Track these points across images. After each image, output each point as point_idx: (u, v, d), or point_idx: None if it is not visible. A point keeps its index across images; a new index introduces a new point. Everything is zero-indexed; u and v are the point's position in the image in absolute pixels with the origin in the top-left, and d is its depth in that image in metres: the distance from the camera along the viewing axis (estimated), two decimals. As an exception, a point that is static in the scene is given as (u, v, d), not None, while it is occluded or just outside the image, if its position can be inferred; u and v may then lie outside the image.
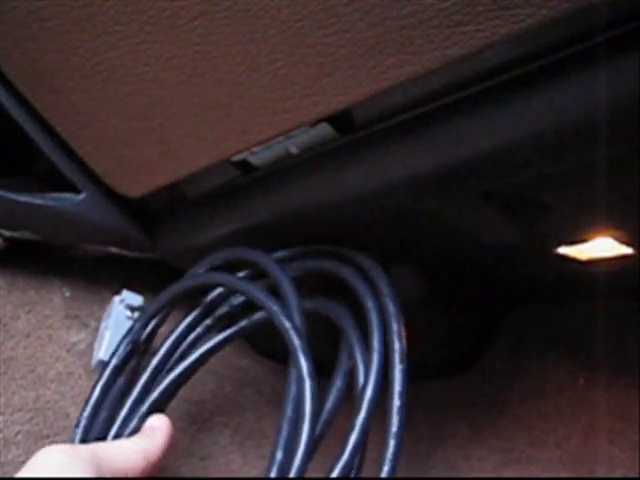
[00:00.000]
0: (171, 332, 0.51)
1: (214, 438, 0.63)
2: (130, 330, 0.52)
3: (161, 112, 0.43)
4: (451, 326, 0.77)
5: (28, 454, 0.52)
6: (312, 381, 0.41)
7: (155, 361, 0.50)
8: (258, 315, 0.52)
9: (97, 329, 0.60)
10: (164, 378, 0.50)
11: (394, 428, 0.41)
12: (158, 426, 0.45)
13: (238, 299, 0.52)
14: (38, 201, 0.53)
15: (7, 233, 0.55)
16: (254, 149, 0.46)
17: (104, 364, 0.51)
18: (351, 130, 0.44)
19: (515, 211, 0.51)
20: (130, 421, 0.48)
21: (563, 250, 0.57)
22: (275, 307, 0.45)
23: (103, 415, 0.49)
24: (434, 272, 0.65)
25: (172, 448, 0.45)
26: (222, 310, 0.52)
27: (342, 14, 0.34)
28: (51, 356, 0.57)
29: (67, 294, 0.60)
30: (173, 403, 0.51)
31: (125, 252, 0.59)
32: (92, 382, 0.50)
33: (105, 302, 0.61)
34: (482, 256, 0.62)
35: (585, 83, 0.35)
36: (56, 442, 0.54)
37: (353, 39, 0.35)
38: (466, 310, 0.78)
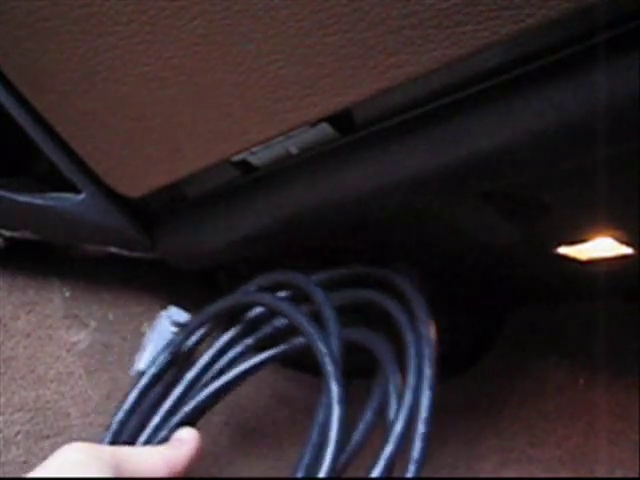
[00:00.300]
0: (210, 347, 0.51)
1: (214, 438, 0.63)
2: (171, 341, 0.52)
3: (161, 112, 0.43)
4: (451, 326, 0.77)
5: (28, 454, 0.52)
6: (341, 408, 0.40)
7: (191, 374, 0.50)
8: (299, 340, 0.51)
9: (97, 329, 0.60)
10: (199, 392, 0.49)
11: (416, 454, 0.40)
12: (186, 439, 0.45)
13: (280, 321, 0.52)
14: (38, 201, 0.53)
15: (7, 233, 0.55)
16: (254, 149, 0.46)
17: (142, 372, 0.51)
18: (351, 130, 0.44)
19: (515, 211, 0.51)
20: (160, 430, 0.48)
21: (563, 250, 0.57)
22: (315, 333, 0.45)
23: (134, 422, 0.48)
24: (434, 272, 0.65)
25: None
26: (264, 330, 0.52)
27: (342, 14, 0.34)
28: (51, 356, 0.57)
29: (67, 294, 0.60)
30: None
31: (125, 252, 0.59)
32: (92, 382, 0.50)
33: (105, 302, 0.61)
34: (482, 256, 0.62)
35: (585, 83, 0.35)
36: (56, 442, 0.54)
37: (353, 39, 0.35)
38: (466, 310, 0.78)
